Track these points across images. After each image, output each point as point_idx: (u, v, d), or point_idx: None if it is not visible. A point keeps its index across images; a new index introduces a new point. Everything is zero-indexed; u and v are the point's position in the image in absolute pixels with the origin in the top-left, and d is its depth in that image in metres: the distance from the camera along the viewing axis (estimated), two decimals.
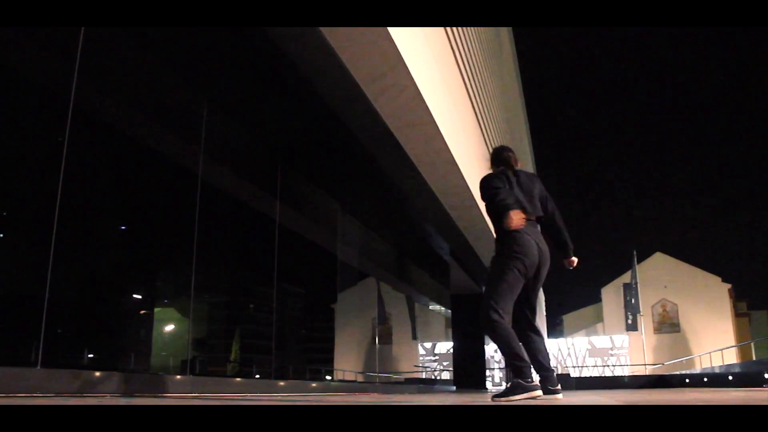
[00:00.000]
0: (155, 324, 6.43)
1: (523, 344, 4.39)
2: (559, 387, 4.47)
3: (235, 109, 7.59)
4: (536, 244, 4.41)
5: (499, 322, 4.24)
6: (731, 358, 21.36)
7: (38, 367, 4.22)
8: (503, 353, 4.34)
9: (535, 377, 4.35)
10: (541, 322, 43.96)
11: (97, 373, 4.66)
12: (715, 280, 48.82)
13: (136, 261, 6.24)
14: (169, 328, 6.72)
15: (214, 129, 6.92)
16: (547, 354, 4.64)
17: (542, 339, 4.67)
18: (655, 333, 47.34)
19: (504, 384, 38.25)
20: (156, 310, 6.50)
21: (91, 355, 5.55)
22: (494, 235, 4.55)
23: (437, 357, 37.56)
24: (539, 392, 4.21)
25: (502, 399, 4.11)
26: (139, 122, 6.20)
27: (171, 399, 4.18)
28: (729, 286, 48.80)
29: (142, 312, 6.40)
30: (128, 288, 6.17)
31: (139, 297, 6.44)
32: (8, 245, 4.71)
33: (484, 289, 4.45)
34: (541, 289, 5.24)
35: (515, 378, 4.21)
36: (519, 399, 4.09)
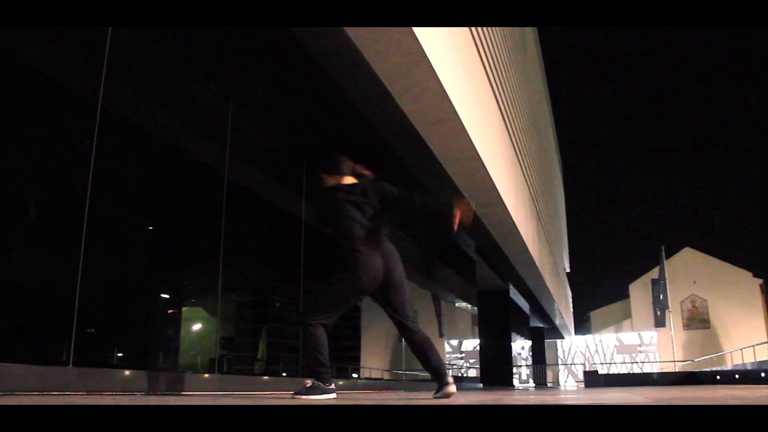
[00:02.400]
0: (183, 323, 6.50)
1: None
2: (448, 388, 4.34)
3: (260, 108, 7.64)
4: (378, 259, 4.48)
5: (312, 327, 4.35)
6: (763, 354, 20.97)
7: (70, 366, 4.28)
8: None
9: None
10: (568, 319, 43.67)
11: (127, 372, 4.72)
12: (746, 275, 47.99)
13: (163, 261, 6.30)
14: (197, 327, 6.79)
15: (240, 129, 6.97)
16: (431, 357, 4.52)
17: (421, 341, 4.53)
18: (684, 329, 46.70)
19: (531, 381, 38.07)
20: (184, 309, 6.57)
21: (120, 354, 5.62)
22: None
23: (464, 354, 37.56)
24: (333, 396, 4.28)
25: (302, 397, 4.19)
26: (165, 123, 6.26)
27: (198, 398, 4.22)
28: (761, 281, 47.96)
29: (170, 311, 6.47)
30: (156, 288, 6.24)
31: (167, 297, 6.50)
32: (39, 246, 4.79)
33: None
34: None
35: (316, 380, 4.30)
36: (316, 399, 4.15)
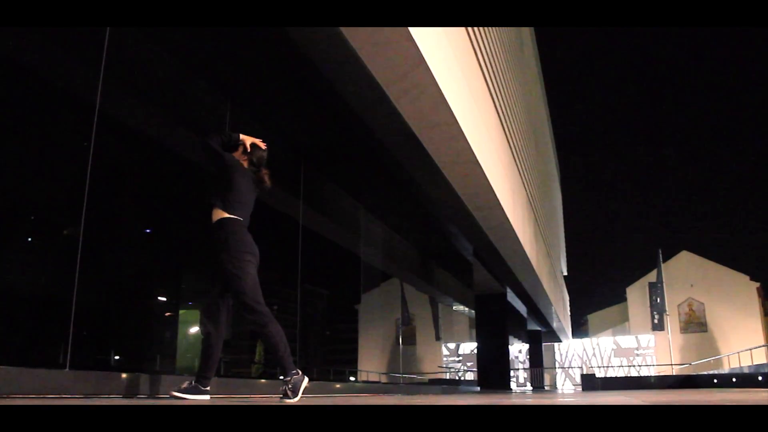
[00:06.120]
0: (180, 326, 6.48)
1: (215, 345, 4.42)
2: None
3: (258, 111, 7.63)
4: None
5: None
6: (760, 357, 20.99)
7: (66, 369, 4.27)
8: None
9: None
10: (565, 322, 43.67)
11: (124, 375, 4.70)
12: (743, 279, 48.02)
13: (161, 263, 6.29)
14: (194, 329, 6.76)
15: (237, 131, 6.96)
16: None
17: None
18: (681, 333, 46.71)
19: (528, 384, 38.04)
20: (181, 312, 6.55)
21: (117, 357, 5.60)
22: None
23: (461, 357, 37.51)
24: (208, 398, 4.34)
25: (179, 395, 4.25)
26: (162, 125, 6.25)
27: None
28: (758, 284, 47.99)
29: (168, 314, 6.45)
30: (154, 290, 6.22)
31: (165, 299, 6.49)
32: (36, 249, 4.77)
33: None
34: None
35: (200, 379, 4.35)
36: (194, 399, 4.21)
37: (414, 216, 14.23)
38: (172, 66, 6.33)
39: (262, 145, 4.84)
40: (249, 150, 4.76)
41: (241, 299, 4.29)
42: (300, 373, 4.32)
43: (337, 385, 9.60)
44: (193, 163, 6.34)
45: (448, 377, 32.22)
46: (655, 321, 40.03)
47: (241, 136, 4.77)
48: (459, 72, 9.11)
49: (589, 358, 41.85)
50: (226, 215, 4.40)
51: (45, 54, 4.74)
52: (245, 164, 4.73)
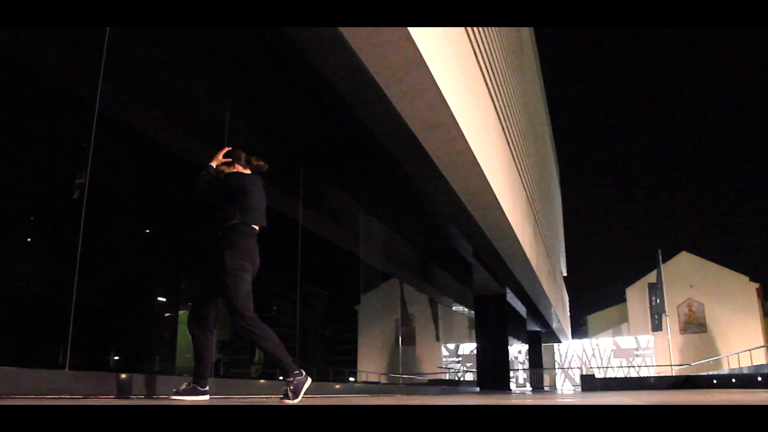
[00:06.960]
0: (180, 326, 6.47)
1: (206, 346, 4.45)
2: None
3: (257, 112, 7.63)
4: None
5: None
6: (760, 358, 21.02)
7: (66, 369, 4.27)
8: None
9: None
10: (565, 323, 43.69)
11: (123, 375, 4.70)
12: (742, 279, 47.99)
13: (160, 264, 6.28)
14: None
15: (237, 131, 6.96)
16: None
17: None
18: (681, 333, 46.69)
19: (528, 385, 38.02)
20: (180, 312, 6.54)
21: (117, 358, 5.60)
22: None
23: (460, 358, 37.51)
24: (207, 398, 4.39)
25: (179, 397, 4.29)
26: (162, 126, 6.25)
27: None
28: (757, 285, 47.96)
29: (167, 315, 6.45)
30: (153, 291, 6.22)
31: (164, 300, 6.48)
32: (36, 250, 4.77)
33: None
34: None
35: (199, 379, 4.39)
36: (192, 400, 4.24)
37: (414, 216, 14.23)
38: (172, 66, 6.33)
39: (226, 149, 4.83)
40: (231, 159, 4.75)
41: (233, 303, 4.26)
42: (303, 373, 4.31)
43: (337, 386, 9.59)
44: (193, 163, 6.35)
45: (447, 378, 32.25)
46: (655, 322, 40.00)
47: (212, 164, 4.73)
48: (459, 72, 9.11)
49: (588, 358, 41.81)
50: (241, 221, 4.41)
51: (45, 54, 4.74)
52: (241, 168, 4.73)
